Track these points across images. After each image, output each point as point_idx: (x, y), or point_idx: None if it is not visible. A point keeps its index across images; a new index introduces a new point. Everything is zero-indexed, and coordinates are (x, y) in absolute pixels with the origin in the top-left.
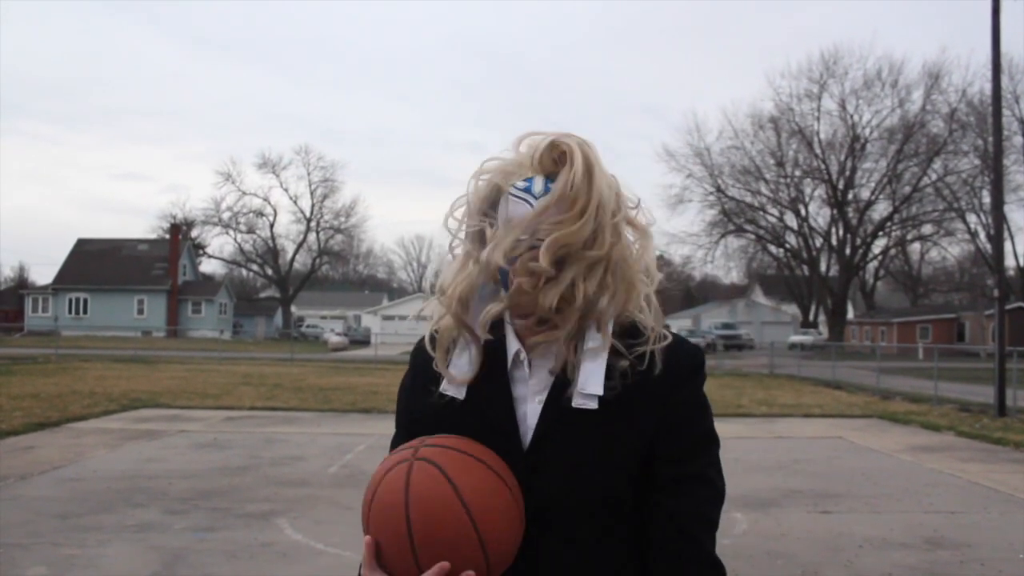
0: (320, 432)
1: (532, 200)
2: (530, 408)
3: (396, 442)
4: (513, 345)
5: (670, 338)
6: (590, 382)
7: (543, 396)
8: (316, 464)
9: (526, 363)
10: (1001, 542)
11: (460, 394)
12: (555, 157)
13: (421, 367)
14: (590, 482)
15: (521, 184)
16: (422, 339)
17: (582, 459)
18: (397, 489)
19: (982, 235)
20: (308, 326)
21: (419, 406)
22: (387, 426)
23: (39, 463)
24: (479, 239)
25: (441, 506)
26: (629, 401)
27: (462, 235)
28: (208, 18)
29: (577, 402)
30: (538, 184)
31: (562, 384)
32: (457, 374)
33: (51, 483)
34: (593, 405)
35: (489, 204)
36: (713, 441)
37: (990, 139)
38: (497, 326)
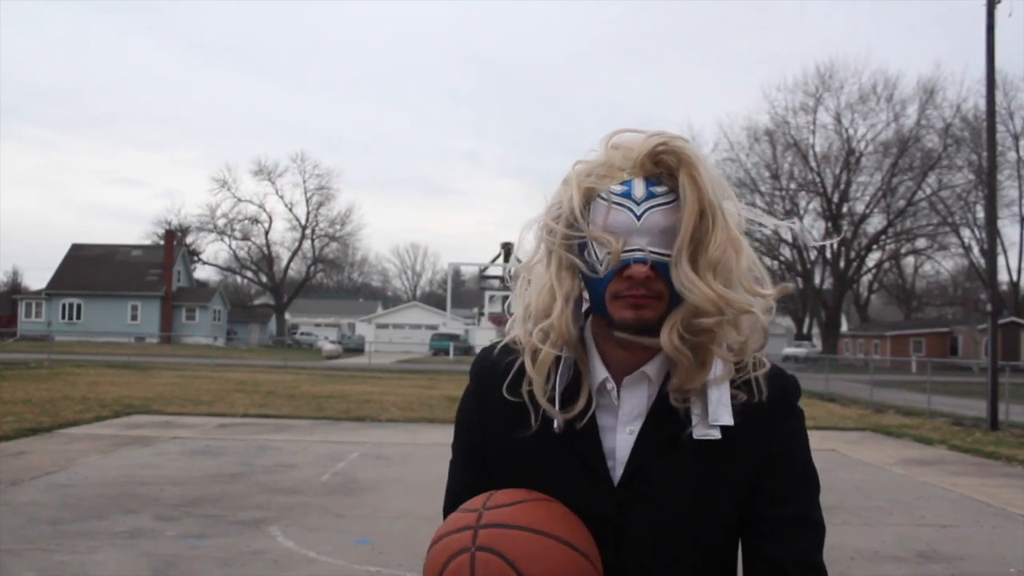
0: (313, 440)
1: (634, 207)
2: (620, 439)
3: (456, 475)
4: (600, 372)
5: (768, 364)
6: (720, 411)
7: (635, 426)
8: (309, 472)
9: (614, 391)
10: (992, 556)
11: (558, 427)
12: (657, 159)
13: (487, 383)
14: (686, 521)
15: (618, 188)
16: (486, 352)
17: (680, 496)
18: None
19: (975, 249)
20: (302, 334)
21: (494, 439)
22: (380, 434)
23: (30, 469)
24: (574, 251)
25: None
26: (735, 434)
27: (544, 249)
28: (204, 24)
29: (700, 433)
30: (638, 188)
31: (662, 412)
32: (562, 409)
33: (42, 489)
34: (717, 435)
35: (581, 212)
36: (815, 480)
37: (984, 154)
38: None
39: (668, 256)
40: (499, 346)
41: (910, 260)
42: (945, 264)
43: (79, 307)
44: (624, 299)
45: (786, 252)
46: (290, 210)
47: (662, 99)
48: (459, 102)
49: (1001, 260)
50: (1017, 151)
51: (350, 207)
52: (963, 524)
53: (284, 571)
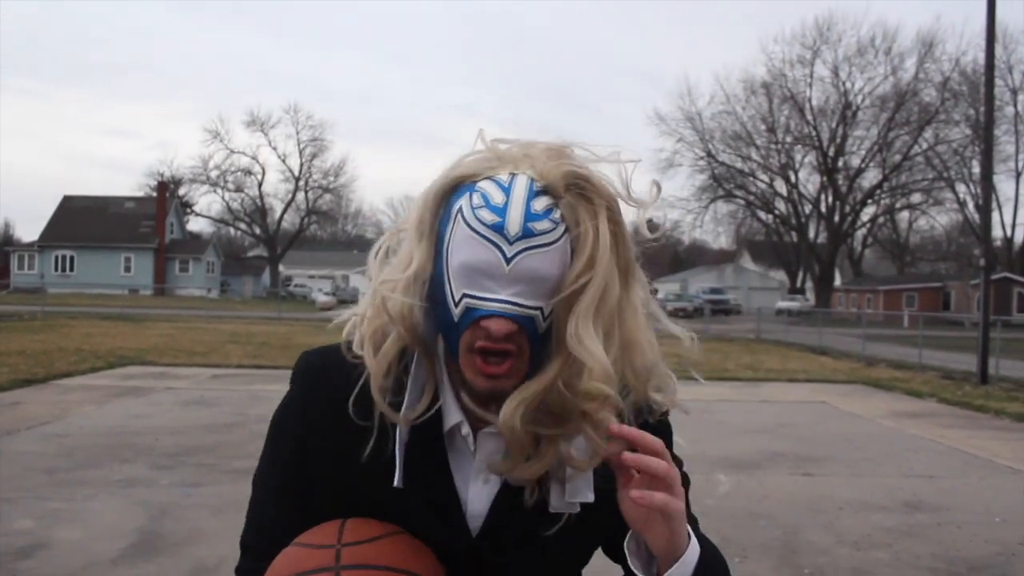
0: None
1: (504, 246)
2: (473, 490)
3: (265, 504)
4: (454, 416)
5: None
6: (580, 488)
7: (485, 475)
8: None
9: (469, 438)
10: (978, 506)
11: (396, 464)
12: (569, 185)
13: (319, 396)
14: (546, 568)
15: (487, 215)
16: (315, 356)
17: (541, 549)
18: None
19: (970, 205)
20: (296, 285)
21: (324, 468)
22: None
23: (25, 419)
24: (430, 230)
25: None
26: (600, 496)
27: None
28: None
29: (556, 506)
30: (514, 218)
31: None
32: (403, 414)
33: (37, 439)
34: (576, 510)
35: (442, 200)
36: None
37: (982, 109)
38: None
39: (537, 309)
40: (334, 348)
41: (905, 215)
42: (940, 219)
43: (72, 259)
44: (480, 354)
45: (780, 206)
46: (283, 161)
47: (659, 51)
48: (454, 53)
49: (996, 216)
50: (1015, 106)
51: (344, 159)
52: (950, 475)
53: None
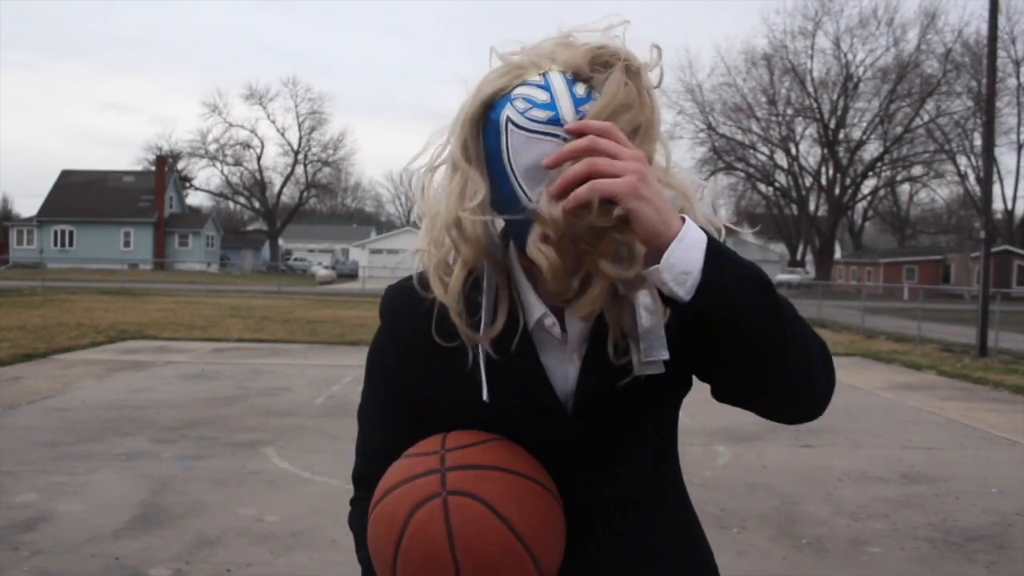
0: (307, 364)
1: (561, 135)
2: (569, 370)
3: (373, 434)
4: (537, 308)
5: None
6: (654, 347)
7: (579, 354)
8: (303, 395)
9: (555, 327)
10: (976, 477)
11: (492, 353)
12: (597, 63)
13: (406, 327)
14: (640, 434)
15: (540, 113)
16: (397, 288)
17: (633, 413)
18: (437, 538)
19: (971, 177)
20: (296, 259)
21: (423, 389)
22: None
23: (27, 393)
24: (476, 154)
25: (498, 556)
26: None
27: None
28: None
29: (639, 369)
30: (565, 106)
31: (598, 339)
32: (483, 332)
33: (39, 413)
34: (660, 370)
35: (479, 122)
36: None
37: (984, 80)
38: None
39: None
40: (413, 279)
41: (905, 187)
42: (940, 192)
43: (71, 234)
44: None
45: (781, 179)
46: (282, 135)
47: (660, 22)
48: (454, 26)
49: (996, 188)
50: (1017, 77)
51: (343, 132)
52: (948, 447)
53: (280, 491)
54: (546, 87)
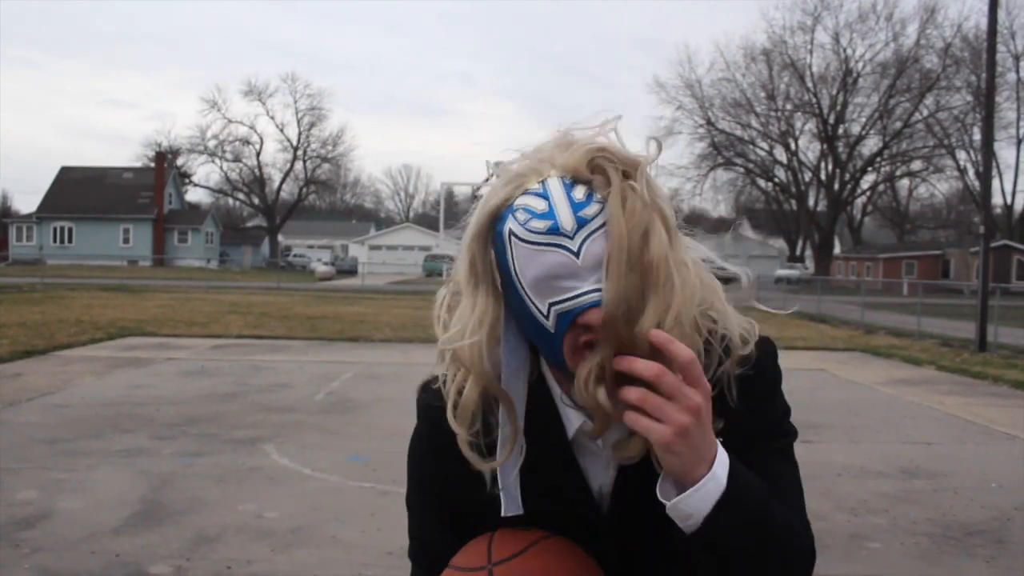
0: (307, 360)
1: (568, 243)
2: (597, 476)
3: (423, 520)
4: (575, 420)
5: (747, 351)
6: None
7: (614, 462)
8: (303, 391)
9: (598, 439)
10: (975, 472)
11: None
12: (594, 166)
13: (448, 433)
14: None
15: (539, 224)
16: (427, 393)
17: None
18: None
19: (971, 172)
20: (295, 255)
21: (463, 492)
22: (373, 354)
23: (27, 390)
24: (484, 272)
25: None
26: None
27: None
28: None
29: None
30: (564, 215)
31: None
32: (500, 471)
33: (39, 409)
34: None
35: (485, 241)
36: (789, 430)
37: (983, 75)
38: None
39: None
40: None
41: (905, 182)
42: (940, 187)
43: (70, 230)
44: (584, 351)
45: (780, 174)
46: (281, 131)
47: (658, 18)
48: (453, 22)
49: (996, 183)
50: (1017, 72)
51: (342, 128)
52: (947, 442)
53: (279, 487)
54: (544, 195)
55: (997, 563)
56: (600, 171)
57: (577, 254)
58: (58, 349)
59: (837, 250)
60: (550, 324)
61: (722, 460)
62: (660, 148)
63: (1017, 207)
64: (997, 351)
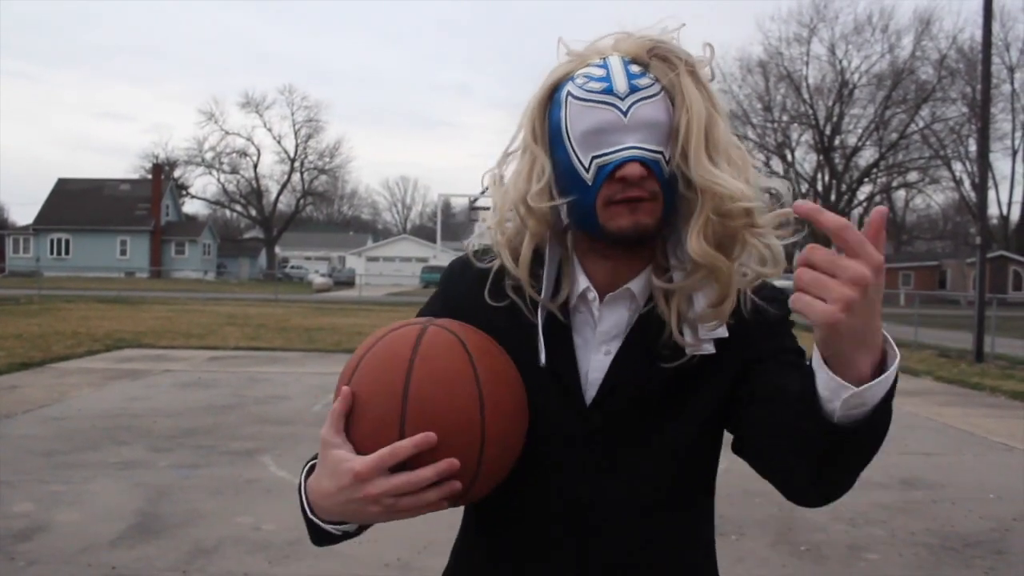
0: (304, 371)
1: (618, 103)
2: (594, 360)
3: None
4: (582, 282)
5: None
6: (714, 328)
7: (612, 346)
8: (300, 403)
9: (595, 304)
10: (973, 483)
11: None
12: (652, 54)
13: (457, 286)
14: (659, 440)
15: (596, 84)
16: (457, 261)
17: (659, 415)
18: (404, 344)
19: (967, 183)
20: (292, 267)
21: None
22: None
23: (23, 402)
24: (542, 135)
25: (454, 373)
26: (719, 348)
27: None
28: None
29: (692, 348)
30: (619, 80)
31: (641, 334)
32: (547, 299)
33: (35, 422)
34: (710, 350)
35: (545, 107)
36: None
37: (978, 86)
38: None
39: (660, 153)
40: (471, 254)
41: (901, 193)
42: (936, 198)
43: (67, 242)
44: (619, 204)
45: (776, 184)
46: (278, 143)
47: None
48: (451, 34)
49: (992, 194)
50: (1012, 84)
51: (339, 139)
52: (946, 452)
53: (277, 499)
54: (604, 66)
55: (996, 574)
56: (661, 58)
57: (625, 113)
58: (55, 361)
59: None
60: (589, 176)
61: (892, 347)
62: (713, 52)
63: (1013, 218)
64: (994, 362)
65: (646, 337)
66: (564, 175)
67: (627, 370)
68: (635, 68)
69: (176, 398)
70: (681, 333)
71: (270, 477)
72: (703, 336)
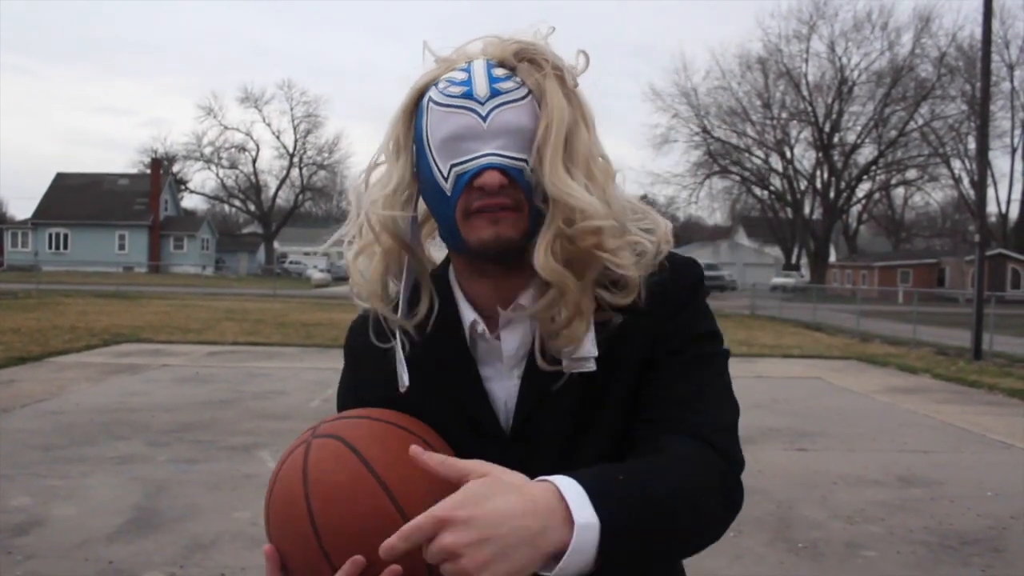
0: (302, 367)
1: (478, 107)
2: (508, 387)
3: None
4: (469, 315)
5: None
6: (584, 346)
7: (519, 371)
8: (298, 398)
9: (485, 333)
10: (971, 480)
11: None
12: (520, 57)
13: (360, 352)
14: (578, 453)
15: (456, 88)
16: (353, 323)
17: (579, 429)
18: (295, 475)
19: (966, 181)
20: (291, 262)
21: (364, 386)
22: None
23: (21, 396)
24: (405, 145)
25: (349, 485)
26: (616, 348)
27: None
28: None
29: (569, 367)
30: (480, 83)
31: (543, 350)
32: (404, 316)
33: (33, 416)
34: (591, 367)
35: (410, 115)
36: (717, 348)
37: (978, 84)
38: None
39: (523, 161)
40: (356, 302)
41: (900, 191)
42: (935, 195)
43: (66, 237)
44: (478, 215)
45: (776, 182)
46: (277, 138)
47: (655, 27)
48: (448, 28)
49: (991, 192)
50: (1011, 81)
51: (338, 135)
52: (944, 450)
53: None
54: (466, 69)
55: (993, 572)
56: (528, 61)
57: (484, 119)
58: (53, 355)
59: (832, 258)
60: (448, 186)
61: (580, 506)
62: (588, 61)
63: (1012, 216)
64: (992, 359)
65: (547, 354)
66: (426, 186)
67: (535, 392)
68: (500, 72)
69: (174, 393)
70: (544, 357)
71: (268, 472)
72: (566, 363)
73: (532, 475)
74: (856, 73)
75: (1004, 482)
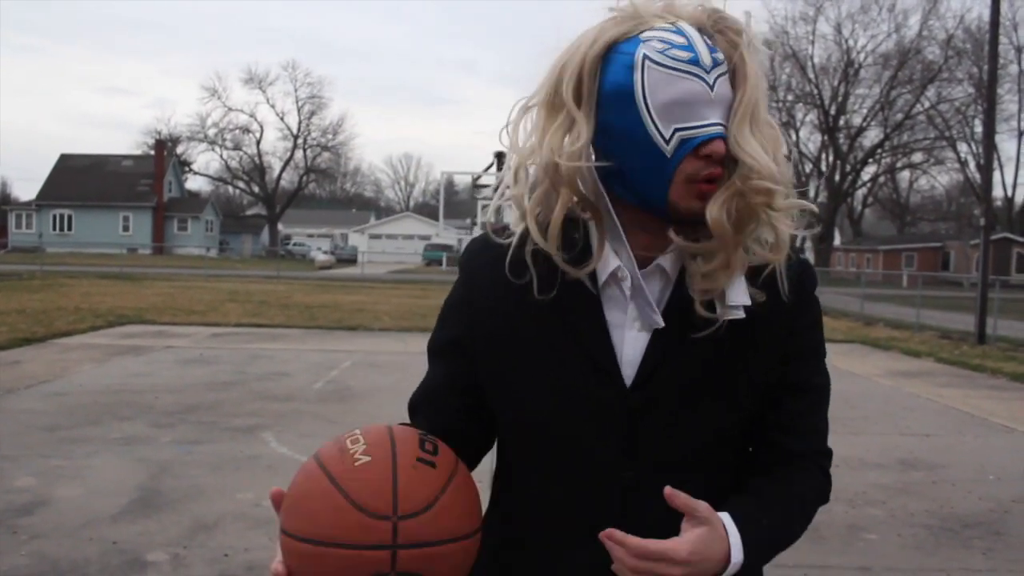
0: (306, 348)
1: (704, 75)
2: (629, 336)
3: (433, 370)
4: (612, 260)
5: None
6: (737, 292)
7: (640, 324)
8: (301, 380)
9: (627, 283)
10: (973, 464)
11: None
12: (717, 27)
13: (478, 269)
14: (703, 418)
15: (681, 53)
16: (475, 242)
17: (696, 394)
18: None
19: (972, 165)
20: (295, 244)
21: (490, 337)
22: (372, 343)
23: (25, 377)
24: (589, 96)
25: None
26: (753, 326)
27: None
28: None
29: (722, 313)
30: (703, 52)
31: (677, 308)
32: (577, 265)
33: (38, 397)
34: (741, 315)
35: (599, 64)
36: (827, 371)
37: (985, 67)
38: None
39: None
40: (488, 230)
41: (905, 174)
42: (940, 179)
43: (70, 218)
44: (699, 184)
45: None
46: (282, 119)
47: None
48: (454, 9)
49: (996, 175)
50: (1019, 64)
51: (342, 116)
52: (946, 434)
53: (278, 476)
54: (681, 33)
55: (994, 555)
56: (718, 30)
57: (712, 87)
58: (57, 337)
59: (837, 241)
60: (669, 148)
61: (735, 552)
62: (750, 20)
63: (1018, 200)
64: (996, 343)
65: (681, 315)
66: (625, 141)
67: (664, 346)
68: (708, 41)
69: (178, 374)
70: (702, 305)
71: (271, 453)
72: (720, 310)
73: (643, 428)
74: (863, 55)
75: (1006, 466)
